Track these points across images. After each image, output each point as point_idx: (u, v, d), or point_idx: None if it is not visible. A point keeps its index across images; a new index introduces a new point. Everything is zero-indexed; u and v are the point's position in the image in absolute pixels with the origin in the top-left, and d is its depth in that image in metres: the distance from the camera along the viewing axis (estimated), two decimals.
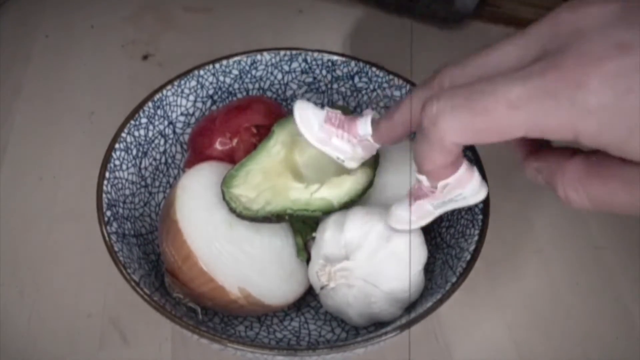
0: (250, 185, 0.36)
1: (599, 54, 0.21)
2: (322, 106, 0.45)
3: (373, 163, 0.37)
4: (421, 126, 0.25)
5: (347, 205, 0.36)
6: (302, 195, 0.35)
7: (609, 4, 0.22)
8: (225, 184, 0.35)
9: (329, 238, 0.35)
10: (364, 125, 0.33)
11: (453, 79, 0.26)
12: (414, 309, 0.34)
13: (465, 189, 0.30)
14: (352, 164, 0.35)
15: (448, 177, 0.29)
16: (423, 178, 0.30)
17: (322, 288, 0.36)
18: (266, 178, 0.36)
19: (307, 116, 0.34)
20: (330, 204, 0.35)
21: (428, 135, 0.25)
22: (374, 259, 0.34)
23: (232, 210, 0.35)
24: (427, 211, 0.32)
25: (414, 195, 0.32)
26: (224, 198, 0.35)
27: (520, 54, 0.24)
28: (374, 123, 0.33)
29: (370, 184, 0.37)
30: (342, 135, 0.34)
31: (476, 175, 0.30)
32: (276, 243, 0.37)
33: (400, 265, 0.34)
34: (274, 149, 0.37)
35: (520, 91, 0.22)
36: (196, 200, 0.36)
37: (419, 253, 0.35)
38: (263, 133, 0.38)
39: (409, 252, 0.34)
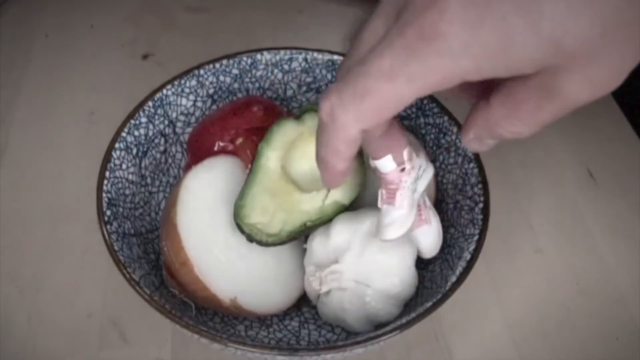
0: (261, 209, 0.35)
1: (439, 4, 0.21)
2: None
3: (361, 154, 0.38)
4: (321, 124, 0.25)
5: (354, 200, 0.36)
6: (314, 205, 0.35)
7: None
8: (238, 216, 0.35)
9: (318, 245, 0.35)
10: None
11: (345, 71, 0.26)
12: (413, 308, 0.34)
13: (419, 155, 0.31)
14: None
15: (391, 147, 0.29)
16: (385, 163, 0.30)
17: (318, 297, 0.36)
18: (273, 198, 0.36)
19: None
20: (341, 204, 0.36)
21: (333, 132, 0.25)
22: (363, 259, 0.34)
23: (258, 242, 0.34)
24: (408, 201, 0.31)
25: (386, 197, 0.31)
26: (242, 231, 0.34)
27: (385, 23, 0.24)
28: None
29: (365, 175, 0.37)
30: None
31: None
32: (275, 247, 0.37)
33: (388, 262, 0.34)
34: (269, 166, 0.36)
35: (390, 61, 0.22)
36: (198, 202, 0.36)
37: (408, 248, 0.35)
38: (262, 134, 0.38)
39: (396, 247, 0.34)
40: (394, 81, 0.22)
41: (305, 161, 0.37)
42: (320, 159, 0.27)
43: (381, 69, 0.22)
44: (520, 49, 0.21)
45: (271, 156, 0.37)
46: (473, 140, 0.27)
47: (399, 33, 0.22)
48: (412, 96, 0.23)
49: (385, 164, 0.30)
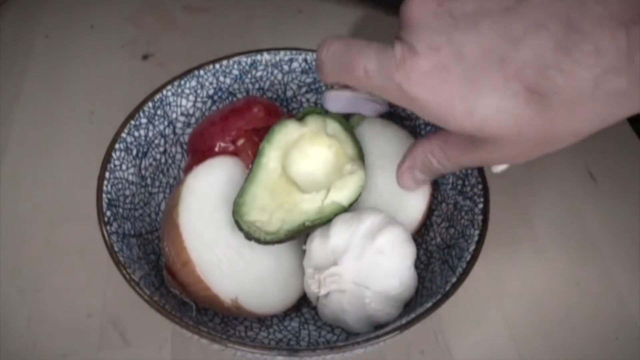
0: (260, 207, 0.35)
1: (418, 53, 0.28)
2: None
3: (362, 157, 0.38)
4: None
5: (354, 202, 0.36)
6: (313, 205, 0.35)
7: (428, 3, 0.28)
8: (237, 213, 0.34)
9: (317, 247, 0.35)
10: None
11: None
12: (412, 309, 0.34)
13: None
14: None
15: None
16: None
17: (317, 299, 0.36)
18: (273, 197, 0.35)
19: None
20: (340, 205, 0.36)
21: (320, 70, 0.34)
22: (361, 260, 0.34)
23: (257, 240, 0.34)
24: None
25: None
26: (240, 229, 0.34)
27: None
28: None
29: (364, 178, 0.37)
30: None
31: None
32: (275, 247, 0.37)
33: (387, 263, 0.34)
34: (270, 165, 0.36)
35: (374, 65, 0.29)
36: (200, 202, 0.36)
37: (406, 249, 0.35)
38: (262, 135, 0.38)
39: (395, 248, 0.34)
40: (367, 78, 0.30)
41: (305, 162, 0.37)
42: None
43: (366, 65, 0.30)
44: (457, 123, 0.28)
45: (272, 156, 0.37)
46: (406, 171, 0.35)
47: (387, 56, 0.29)
48: (373, 91, 0.31)
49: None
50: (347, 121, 0.39)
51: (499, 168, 0.34)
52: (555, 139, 0.28)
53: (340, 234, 0.35)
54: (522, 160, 0.30)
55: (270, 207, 0.35)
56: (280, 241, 0.35)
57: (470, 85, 0.27)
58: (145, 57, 0.57)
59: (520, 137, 0.27)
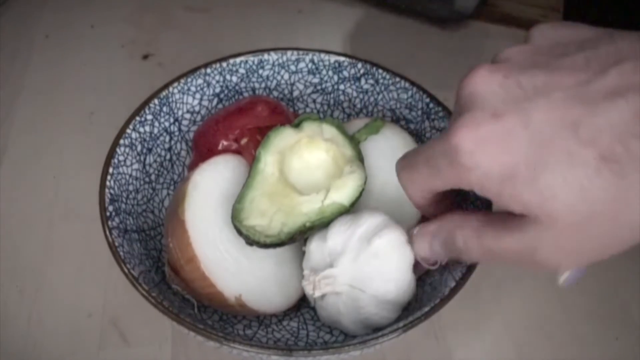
0: (259, 213, 0.35)
1: (479, 121, 0.26)
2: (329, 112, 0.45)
3: (362, 159, 0.38)
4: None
5: (356, 202, 0.36)
6: (313, 206, 0.35)
7: (493, 75, 0.27)
8: (236, 218, 0.34)
9: (314, 249, 0.35)
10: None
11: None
12: (411, 312, 0.34)
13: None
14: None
15: None
16: None
17: (315, 301, 0.36)
18: (272, 201, 0.35)
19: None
20: (342, 205, 0.35)
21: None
22: (357, 263, 0.33)
23: (257, 244, 0.34)
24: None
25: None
26: (240, 233, 0.34)
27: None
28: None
29: (366, 178, 0.37)
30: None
31: None
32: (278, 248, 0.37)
33: (383, 267, 0.33)
34: (267, 170, 0.36)
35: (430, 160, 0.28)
36: (206, 199, 0.36)
37: (403, 253, 0.34)
38: (266, 134, 0.38)
39: (391, 252, 0.34)
40: (435, 177, 0.28)
41: (303, 166, 0.37)
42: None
43: (434, 163, 0.28)
44: (516, 193, 0.25)
45: (269, 161, 0.37)
46: (428, 235, 0.32)
47: (443, 137, 0.27)
48: (436, 186, 0.29)
49: None
50: (352, 135, 0.39)
51: (564, 276, 0.29)
52: (625, 226, 0.25)
53: (337, 236, 0.34)
54: (578, 258, 0.27)
55: (270, 211, 0.35)
56: (281, 243, 0.34)
57: (537, 151, 0.25)
58: (145, 57, 0.57)
59: (587, 218, 0.25)
